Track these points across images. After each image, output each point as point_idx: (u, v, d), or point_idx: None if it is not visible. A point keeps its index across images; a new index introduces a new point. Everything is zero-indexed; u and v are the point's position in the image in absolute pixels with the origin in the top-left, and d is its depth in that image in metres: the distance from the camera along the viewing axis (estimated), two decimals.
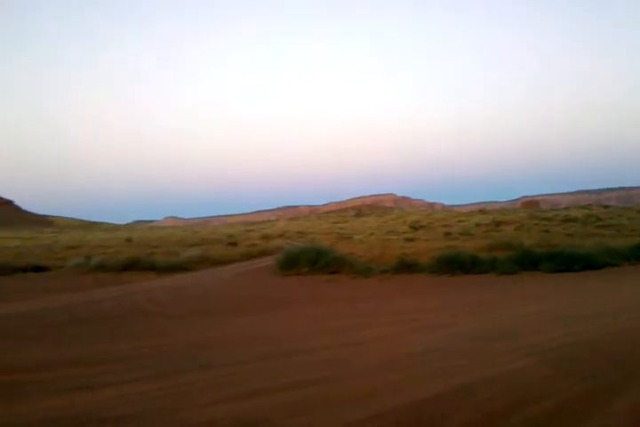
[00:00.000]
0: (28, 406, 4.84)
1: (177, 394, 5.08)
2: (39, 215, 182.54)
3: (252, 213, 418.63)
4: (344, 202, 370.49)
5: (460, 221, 68.24)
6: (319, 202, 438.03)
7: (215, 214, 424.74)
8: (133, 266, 23.52)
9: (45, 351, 7.74)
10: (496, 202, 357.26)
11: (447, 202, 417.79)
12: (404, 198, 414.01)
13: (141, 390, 5.26)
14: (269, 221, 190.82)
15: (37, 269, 24.84)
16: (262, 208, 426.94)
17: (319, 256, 19.85)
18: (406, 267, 18.59)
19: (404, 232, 53.46)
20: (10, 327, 10.39)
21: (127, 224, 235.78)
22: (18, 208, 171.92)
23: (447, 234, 43.51)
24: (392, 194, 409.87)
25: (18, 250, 42.78)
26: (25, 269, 24.50)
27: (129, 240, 55.63)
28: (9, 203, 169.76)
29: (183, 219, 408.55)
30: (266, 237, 55.76)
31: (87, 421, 4.31)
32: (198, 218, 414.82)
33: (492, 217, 70.32)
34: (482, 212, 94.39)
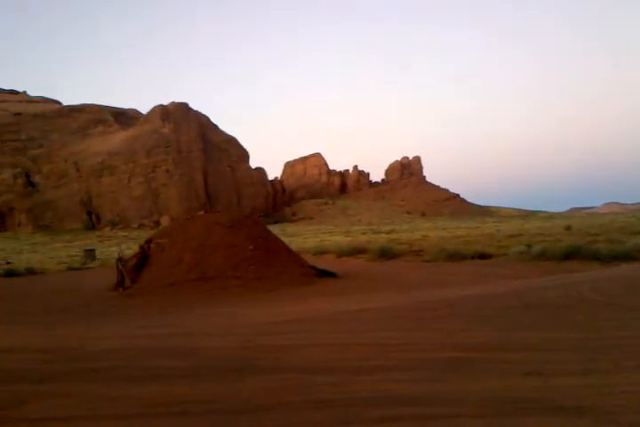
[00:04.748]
0: (478, 383, 5.10)
1: (633, 393, 4.63)
2: (481, 206, 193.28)
3: None
4: None
5: None
6: None
7: None
8: (574, 254, 22.62)
9: (496, 333, 8.11)
10: None
11: None
12: None
13: (590, 383, 4.97)
14: None
15: (482, 256, 26.41)
16: None
17: None
18: None
19: None
20: (468, 308, 11.26)
21: (563, 212, 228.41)
22: (463, 200, 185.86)
23: None
24: None
25: (465, 239, 46.36)
26: (472, 257, 26.37)
27: (568, 228, 53.74)
28: (456, 196, 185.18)
29: (625, 204, 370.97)
30: None
31: (535, 407, 4.31)
32: None
33: None
34: None
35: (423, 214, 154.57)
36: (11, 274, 34.06)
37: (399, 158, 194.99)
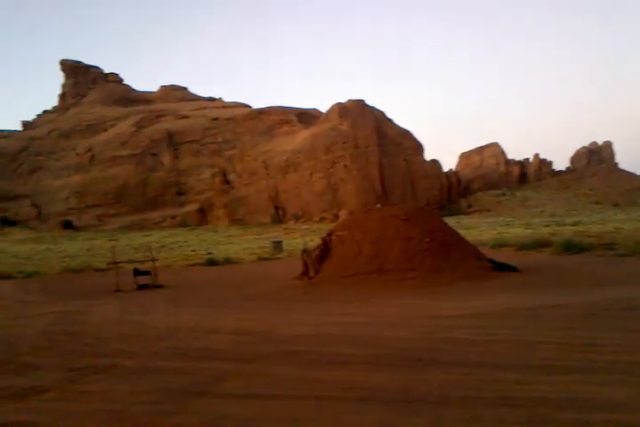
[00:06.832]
0: None
1: None
2: None
3: None
4: None
5: None
6: None
7: None
8: None
9: None
10: None
11: None
12: None
13: None
14: None
15: None
16: None
17: None
18: None
19: None
20: None
21: None
22: None
23: None
24: None
25: None
26: None
27: None
28: None
29: None
30: None
31: None
32: None
33: None
34: None
35: (615, 205, 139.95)
36: (211, 263, 37.97)
37: (587, 144, 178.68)
